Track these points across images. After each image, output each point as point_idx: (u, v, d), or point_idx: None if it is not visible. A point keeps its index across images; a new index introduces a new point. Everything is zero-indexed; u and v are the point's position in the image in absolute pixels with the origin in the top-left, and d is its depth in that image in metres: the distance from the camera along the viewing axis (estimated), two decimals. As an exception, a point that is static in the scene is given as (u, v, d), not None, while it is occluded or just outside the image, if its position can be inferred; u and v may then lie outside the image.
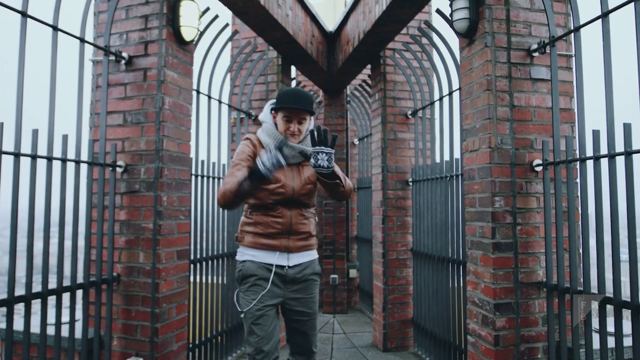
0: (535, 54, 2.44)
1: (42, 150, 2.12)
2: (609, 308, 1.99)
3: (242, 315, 2.08)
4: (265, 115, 2.22)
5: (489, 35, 2.41)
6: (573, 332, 2.14)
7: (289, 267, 2.11)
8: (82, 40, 2.41)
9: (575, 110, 2.36)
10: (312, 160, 1.92)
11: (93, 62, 2.76)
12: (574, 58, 2.36)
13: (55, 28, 2.24)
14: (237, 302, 2.15)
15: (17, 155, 1.99)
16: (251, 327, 2.04)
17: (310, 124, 2.24)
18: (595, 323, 2.30)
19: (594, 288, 2.07)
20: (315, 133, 1.92)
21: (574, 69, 2.45)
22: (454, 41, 3.22)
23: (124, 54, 2.65)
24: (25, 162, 2.04)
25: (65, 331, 2.39)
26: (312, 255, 2.22)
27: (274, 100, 2.20)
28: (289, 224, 2.11)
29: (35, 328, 2.36)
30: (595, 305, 2.07)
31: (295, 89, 2.14)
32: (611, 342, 2.10)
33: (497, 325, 2.31)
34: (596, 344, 2.15)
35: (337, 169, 2.04)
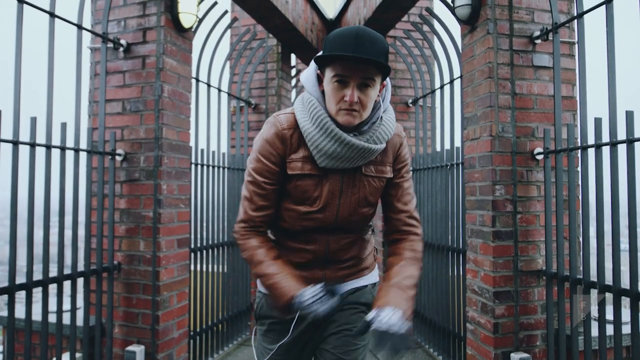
0: (538, 41, 2.41)
1: (40, 138, 2.11)
2: (608, 296, 1.99)
3: None
4: (307, 78, 1.33)
5: (491, 22, 2.38)
6: (572, 320, 2.15)
7: None
8: (80, 27, 2.38)
9: (578, 98, 2.34)
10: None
11: (91, 49, 2.73)
12: (576, 45, 2.33)
13: (52, 14, 2.21)
14: (253, 344, 1.57)
15: (15, 143, 1.98)
16: None
17: (386, 93, 1.35)
18: (594, 311, 2.31)
19: (593, 277, 2.07)
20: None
21: (576, 57, 2.43)
22: (455, 28, 3.19)
23: (122, 41, 2.62)
24: (23, 151, 2.03)
25: (66, 319, 2.40)
26: (363, 281, 1.48)
27: None
28: (324, 252, 1.39)
29: (36, 316, 2.38)
30: (594, 294, 2.07)
31: (356, 27, 1.22)
32: (609, 330, 2.12)
33: (497, 313, 2.33)
34: (594, 332, 2.17)
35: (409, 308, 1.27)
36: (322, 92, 1.31)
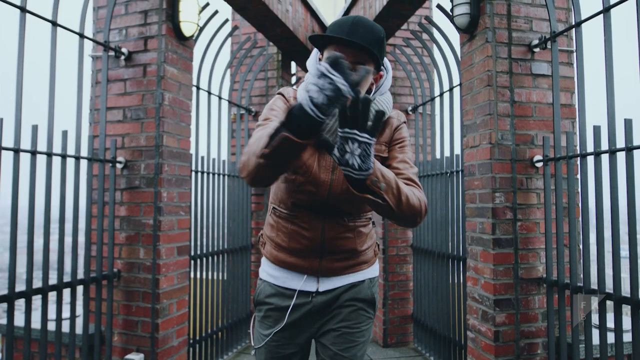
0: (536, 50, 2.43)
1: (41, 146, 2.11)
2: (609, 304, 1.99)
3: (252, 352, 1.53)
4: (310, 62, 1.47)
5: (490, 31, 2.40)
6: (573, 327, 2.14)
7: (317, 292, 1.45)
8: (82, 36, 2.40)
9: (576, 106, 2.35)
10: (335, 151, 1.10)
11: (92, 57, 2.75)
12: (575, 53, 2.35)
13: (54, 23, 2.23)
14: (251, 331, 1.60)
15: (16, 151, 1.99)
16: None
17: (384, 81, 1.42)
18: (595, 319, 2.31)
19: (593, 284, 2.07)
20: (348, 106, 1.06)
21: (575, 65, 2.44)
22: (454, 37, 3.21)
23: (124, 50, 2.64)
24: (25, 158, 2.04)
25: (66, 327, 2.40)
26: (361, 275, 1.49)
27: None
28: (319, 240, 1.41)
29: (36, 324, 2.37)
30: (595, 301, 2.07)
31: (355, 15, 1.30)
32: (610, 338, 2.11)
33: (497, 321, 2.32)
34: (596, 340, 2.16)
35: (384, 173, 1.17)
36: None
